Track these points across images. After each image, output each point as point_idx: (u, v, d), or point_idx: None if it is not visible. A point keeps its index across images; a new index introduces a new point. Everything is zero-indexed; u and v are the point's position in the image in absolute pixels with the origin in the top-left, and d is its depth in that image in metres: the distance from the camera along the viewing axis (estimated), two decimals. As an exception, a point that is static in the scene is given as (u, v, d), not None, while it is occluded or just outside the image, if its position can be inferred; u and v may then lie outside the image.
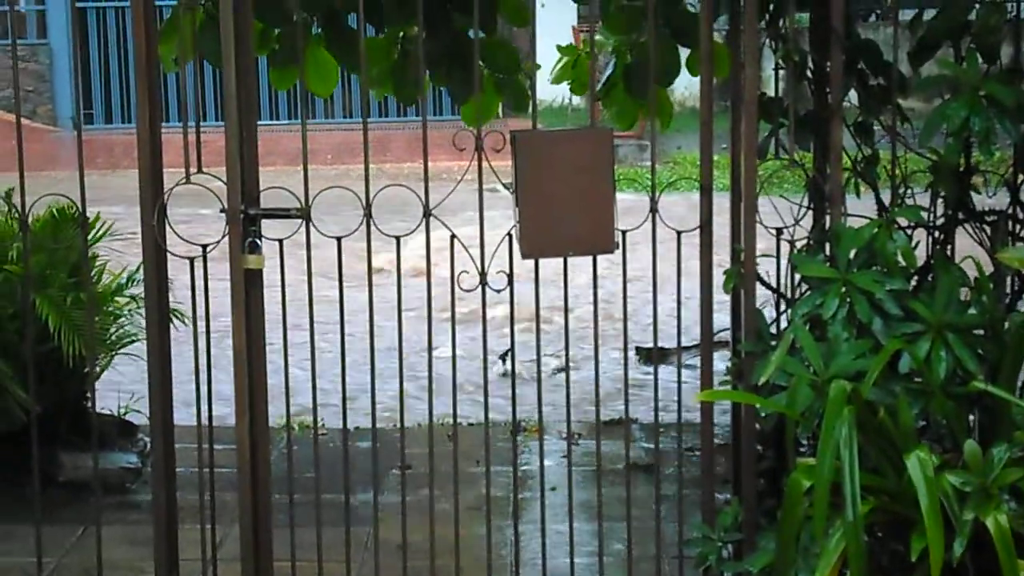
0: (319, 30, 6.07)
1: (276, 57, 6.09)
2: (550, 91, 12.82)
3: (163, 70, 5.63)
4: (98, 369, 6.46)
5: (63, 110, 21.66)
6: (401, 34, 6.15)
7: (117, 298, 6.68)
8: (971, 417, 4.47)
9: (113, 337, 6.65)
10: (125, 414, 6.92)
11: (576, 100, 20.98)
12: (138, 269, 5.44)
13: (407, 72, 6.12)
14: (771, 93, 5.22)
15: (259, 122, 4.87)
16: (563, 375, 5.06)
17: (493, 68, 6.11)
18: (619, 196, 4.87)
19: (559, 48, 6.65)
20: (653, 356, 5.20)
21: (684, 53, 5.97)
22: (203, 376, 4.88)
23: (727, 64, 5.45)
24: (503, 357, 8.04)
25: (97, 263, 6.65)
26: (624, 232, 4.79)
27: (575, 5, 6.97)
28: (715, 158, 4.93)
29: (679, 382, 5.05)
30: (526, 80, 6.23)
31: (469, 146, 4.69)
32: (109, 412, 6.86)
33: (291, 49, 5.61)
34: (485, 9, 5.23)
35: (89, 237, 6.04)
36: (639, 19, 5.86)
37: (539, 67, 5.12)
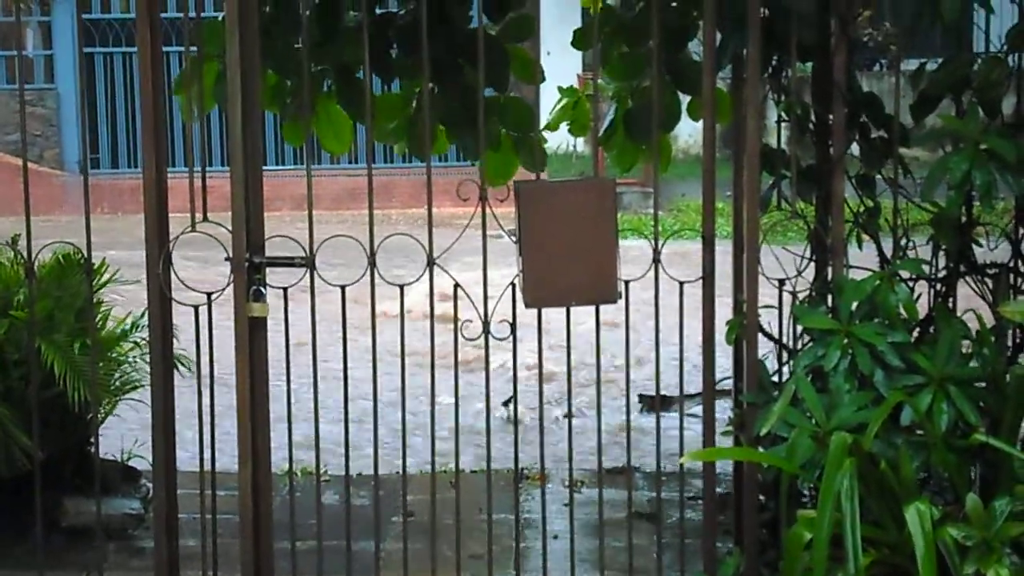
0: (330, 85, 6.11)
1: (288, 111, 6.13)
2: (555, 138, 12.84)
3: (183, 119, 5.68)
4: (102, 414, 6.47)
5: (70, 154, 21.69)
6: (417, 90, 6.19)
7: (122, 344, 6.68)
8: (973, 470, 4.47)
9: (117, 383, 6.65)
10: (128, 460, 6.92)
11: (580, 147, 21.03)
12: (143, 315, 5.45)
13: (422, 127, 6.15)
14: (773, 144, 5.24)
15: (265, 167, 4.90)
16: (566, 423, 5.07)
17: (508, 126, 6.12)
18: (624, 243, 4.89)
19: (560, 89, 6.67)
20: (655, 404, 5.20)
21: (685, 99, 6.00)
22: (206, 422, 4.89)
23: (729, 111, 5.49)
24: (506, 404, 8.03)
25: (102, 308, 6.67)
26: (627, 282, 4.81)
27: (580, 53, 6.99)
28: (719, 205, 4.95)
29: (681, 431, 5.05)
30: (543, 139, 6.24)
31: (473, 196, 4.72)
32: (113, 458, 6.86)
33: (303, 102, 5.66)
34: (496, 66, 5.27)
35: (94, 283, 6.05)
36: (640, 66, 5.90)
37: (546, 140, 5.12)
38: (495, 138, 5.89)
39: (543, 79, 5.47)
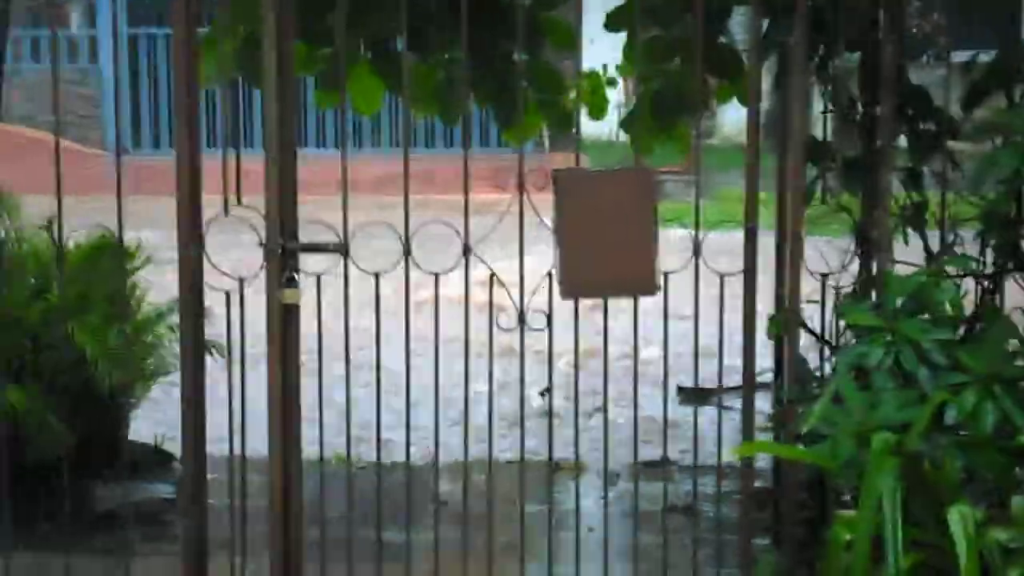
0: (364, 54, 6.07)
1: (323, 78, 6.10)
2: (596, 126, 12.82)
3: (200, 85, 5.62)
4: (135, 399, 6.44)
5: (113, 135, 21.79)
6: (446, 56, 6.14)
7: (156, 328, 6.65)
8: (1019, 471, 4.38)
9: (151, 367, 6.62)
10: (162, 444, 6.90)
11: (623, 136, 20.95)
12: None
13: (452, 94, 6.11)
14: (819, 135, 5.15)
15: (305, 150, 4.85)
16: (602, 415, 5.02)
17: (536, 90, 6.08)
18: (666, 232, 4.81)
19: (579, 74, 6.62)
20: (694, 397, 5.13)
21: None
22: (237, 408, 4.84)
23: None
24: (543, 394, 7.97)
25: (137, 291, 6.64)
26: (666, 274, 4.73)
27: (622, 44, 6.91)
28: (762, 196, 4.87)
29: (719, 424, 4.98)
30: (571, 104, 6.21)
31: (511, 184, 4.65)
32: (145, 443, 6.84)
33: (336, 76, 5.62)
34: (530, 33, 5.21)
35: (129, 265, 6.02)
36: (670, 50, 5.82)
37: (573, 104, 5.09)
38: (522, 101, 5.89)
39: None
